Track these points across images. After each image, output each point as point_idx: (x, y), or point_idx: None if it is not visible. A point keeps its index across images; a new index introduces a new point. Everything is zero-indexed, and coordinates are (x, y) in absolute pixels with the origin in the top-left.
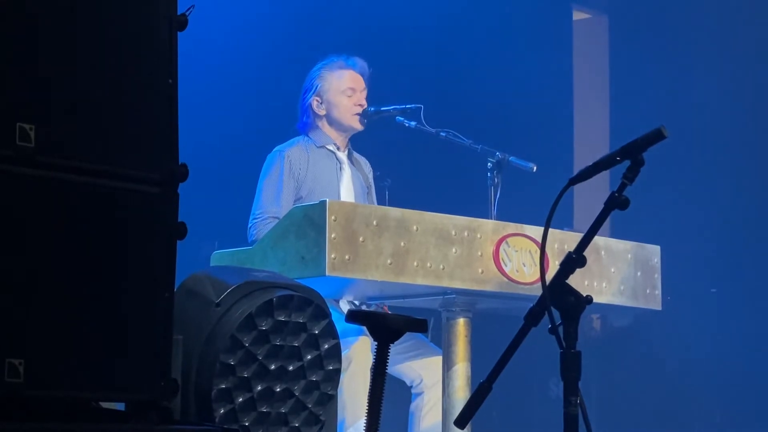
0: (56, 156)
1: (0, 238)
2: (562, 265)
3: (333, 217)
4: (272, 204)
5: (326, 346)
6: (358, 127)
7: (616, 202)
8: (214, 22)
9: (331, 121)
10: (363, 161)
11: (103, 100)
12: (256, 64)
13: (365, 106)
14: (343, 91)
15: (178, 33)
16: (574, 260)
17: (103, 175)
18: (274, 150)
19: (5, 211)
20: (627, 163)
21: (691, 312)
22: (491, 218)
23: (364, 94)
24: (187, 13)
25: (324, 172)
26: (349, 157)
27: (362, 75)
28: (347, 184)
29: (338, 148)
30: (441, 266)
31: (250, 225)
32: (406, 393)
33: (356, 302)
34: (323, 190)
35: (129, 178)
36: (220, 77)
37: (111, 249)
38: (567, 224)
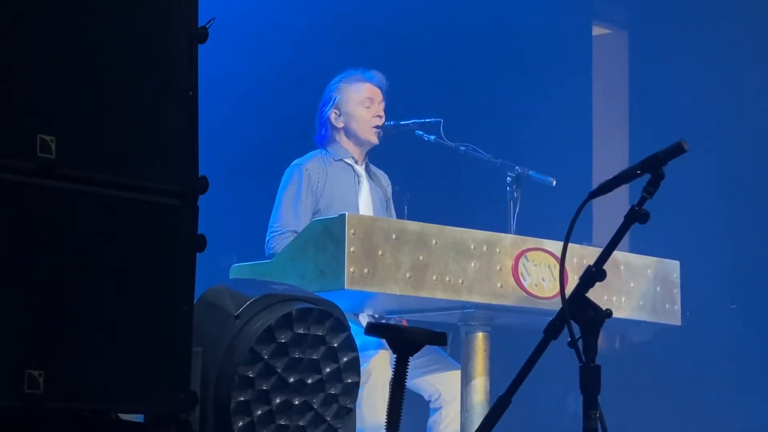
0: (76, 168)
1: (20, 249)
2: (582, 278)
3: (352, 231)
4: (291, 218)
5: (345, 359)
6: (375, 140)
7: (636, 216)
8: (235, 35)
9: (349, 134)
10: (381, 175)
11: (123, 112)
12: (276, 77)
13: (383, 118)
14: (361, 102)
15: (199, 45)
16: (594, 274)
17: (123, 187)
18: (292, 164)
19: (25, 222)
20: (647, 176)
21: (710, 328)
22: (510, 232)
23: (383, 106)
24: (207, 26)
25: (342, 185)
26: (367, 170)
27: (380, 88)
28: (365, 198)
29: (356, 162)
30: (460, 280)
31: (268, 239)
32: (424, 407)
33: (375, 315)
34: (341, 204)
35: (149, 190)
36: (238, 90)
37: (130, 261)
38: (586, 239)
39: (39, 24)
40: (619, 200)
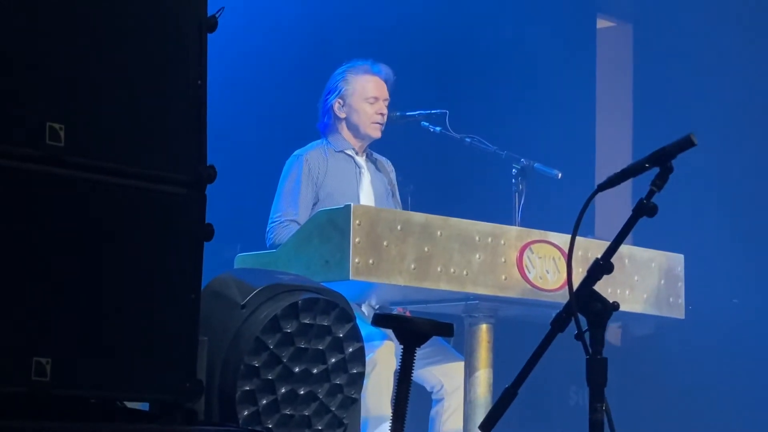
0: (85, 156)
1: (29, 237)
2: (589, 271)
3: (357, 222)
4: (291, 207)
5: (350, 350)
6: (376, 135)
7: (644, 209)
8: (243, 25)
9: (350, 126)
10: (384, 161)
11: (132, 101)
12: (282, 68)
13: (385, 116)
14: (366, 98)
15: (208, 35)
16: (602, 267)
17: (132, 175)
18: (293, 154)
19: (34, 210)
20: (655, 170)
21: (713, 322)
22: (515, 225)
23: (386, 103)
24: (217, 15)
25: (343, 176)
26: (369, 160)
27: (386, 82)
28: (367, 189)
29: (356, 153)
30: (464, 272)
31: (268, 228)
32: (427, 398)
33: (375, 306)
34: (342, 195)
35: (157, 179)
36: (243, 79)
37: (138, 249)
38: (588, 232)
39: (48, 12)
40: (622, 193)
